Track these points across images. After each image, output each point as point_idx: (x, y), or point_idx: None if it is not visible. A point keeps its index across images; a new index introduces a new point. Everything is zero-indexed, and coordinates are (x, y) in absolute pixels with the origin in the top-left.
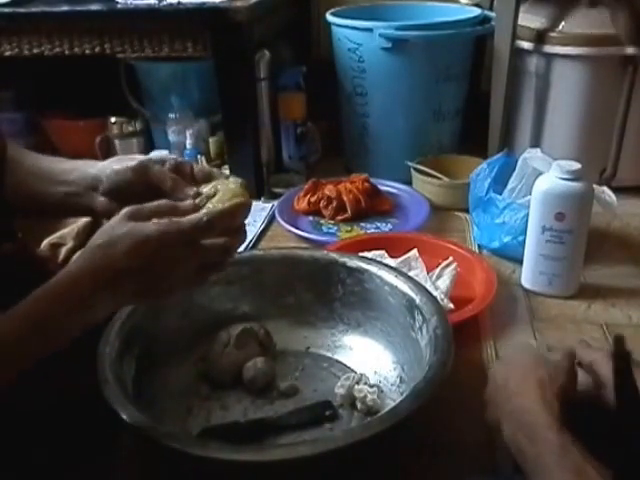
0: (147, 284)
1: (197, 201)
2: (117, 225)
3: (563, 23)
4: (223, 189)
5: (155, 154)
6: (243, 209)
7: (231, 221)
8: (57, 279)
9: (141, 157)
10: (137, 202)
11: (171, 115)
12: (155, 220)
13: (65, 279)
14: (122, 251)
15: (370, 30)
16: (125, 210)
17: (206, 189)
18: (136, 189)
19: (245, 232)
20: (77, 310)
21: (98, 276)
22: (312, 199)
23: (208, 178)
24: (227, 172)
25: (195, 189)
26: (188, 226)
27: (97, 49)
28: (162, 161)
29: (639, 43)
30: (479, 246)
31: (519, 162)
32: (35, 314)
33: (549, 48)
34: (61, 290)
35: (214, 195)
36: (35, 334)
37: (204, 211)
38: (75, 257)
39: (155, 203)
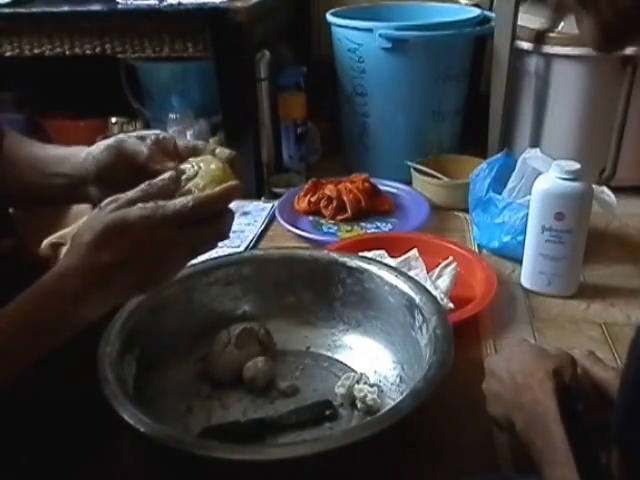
0: (141, 274)
1: (179, 174)
2: (98, 217)
3: (563, 23)
4: (205, 169)
5: (141, 132)
6: (231, 192)
7: (219, 205)
8: (44, 279)
9: (119, 136)
10: (125, 185)
11: (171, 115)
12: (140, 205)
13: (52, 279)
14: (106, 243)
15: (370, 30)
16: (107, 201)
17: (189, 165)
18: (118, 170)
19: (232, 212)
20: (67, 310)
21: (86, 274)
22: (312, 199)
23: (194, 153)
24: (214, 146)
25: (174, 163)
26: (172, 211)
27: (97, 49)
28: (142, 137)
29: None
30: (479, 246)
31: (519, 162)
32: (22, 316)
33: (549, 48)
34: (48, 290)
35: (195, 175)
36: (24, 335)
37: (190, 196)
38: (62, 255)
39: (137, 188)
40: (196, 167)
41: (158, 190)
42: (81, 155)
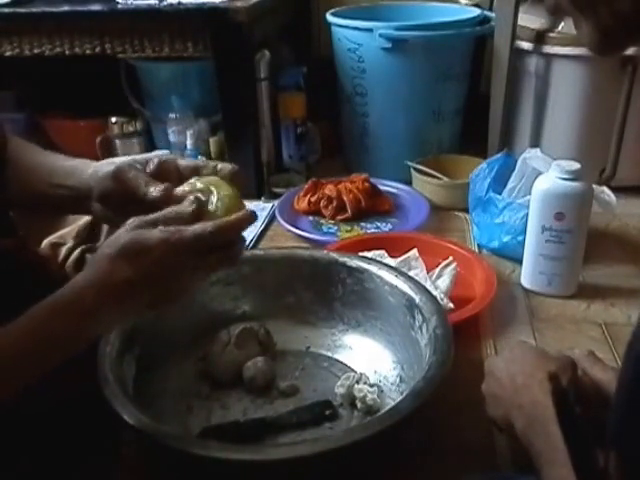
0: (156, 294)
1: (200, 203)
2: (121, 234)
3: (563, 23)
4: (217, 195)
5: (145, 155)
6: (247, 220)
7: (234, 232)
8: (62, 292)
9: (122, 160)
10: (128, 207)
11: (171, 115)
12: (161, 227)
13: (70, 292)
14: (126, 261)
15: (370, 30)
16: (131, 220)
17: (199, 184)
18: (121, 195)
19: (244, 238)
20: (82, 324)
21: (103, 288)
22: (312, 199)
23: (195, 172)
24: (215, 162)
25: (164, 187)
26: (192, 236)
27: (97, 49)
28: (146, 162)
29: (603, 53)
30: (479, 246)
31: (519, 162)
32: (38, 328)
33: (549, 48)
34: (65, 304)
35: (207, 201)
36: (37, 348)
37: (210, 222)
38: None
39: (160, 212)
40: (206, 187)
41: (179, 215)
42: (88, 171)
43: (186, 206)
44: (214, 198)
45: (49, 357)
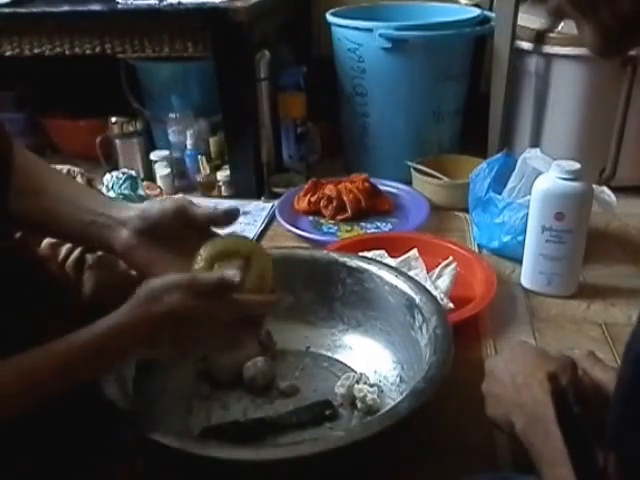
0: (183, 350)
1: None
2: (177, 297)
3: (563, 24)
4: (257, 262)
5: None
6: (278, 302)
7: (268, 308)
8: (94, 330)
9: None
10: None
11: (171, 115)
12: (210, 298)
13: (100, 334)
14: (169, 324)
15: (370, 30)
16: (185, 279)
17: (242, 248)
18: (176, 225)
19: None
20: (104, 363)
21: (136, 339)
22: (312, 199)
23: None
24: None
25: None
26: (239, 310)
27: (97, 49)
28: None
29: (605, 55)
30: (479, 246)
31: (519, 162)
32: (75, 361)
33: (549, 48)
34: (93, 343)
35: (247, 256)
36: (68, 379)
37: (254, 298)
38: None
39: (211, 279)
40: (246, 255)
41: (231, 286)
42: (126, 208)
43: (234, 277)
44: (254, 269)
45: (74, 385)
